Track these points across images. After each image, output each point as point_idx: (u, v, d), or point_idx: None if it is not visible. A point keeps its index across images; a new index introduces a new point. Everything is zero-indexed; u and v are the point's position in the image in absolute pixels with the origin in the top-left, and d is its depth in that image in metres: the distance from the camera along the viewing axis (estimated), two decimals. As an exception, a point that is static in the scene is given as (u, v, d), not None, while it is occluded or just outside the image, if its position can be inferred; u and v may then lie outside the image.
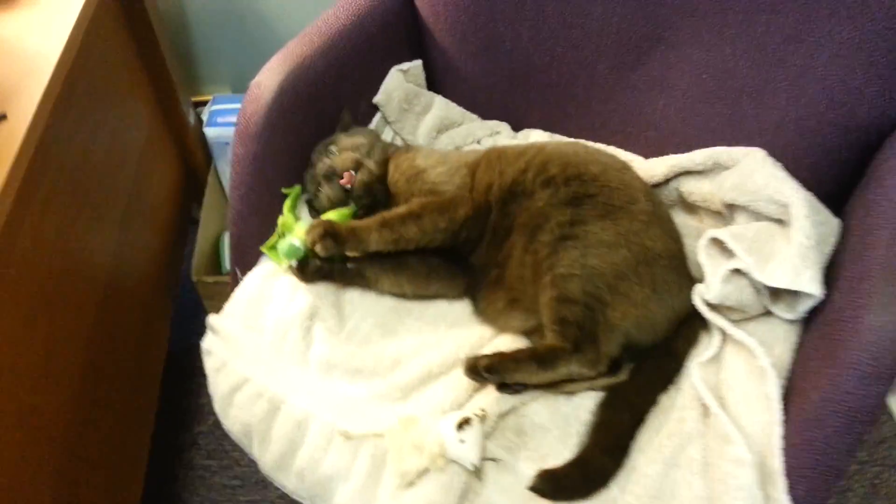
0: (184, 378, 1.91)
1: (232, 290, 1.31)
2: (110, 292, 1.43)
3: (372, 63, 1.48)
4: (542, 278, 1.15)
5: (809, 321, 1.11)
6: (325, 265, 1.25)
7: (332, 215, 1.25)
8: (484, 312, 1.26)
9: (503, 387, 1.11)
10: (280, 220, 1.28)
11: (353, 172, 1.27)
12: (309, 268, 1.24)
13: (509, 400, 1.10)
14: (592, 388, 1.13)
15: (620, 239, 1.14)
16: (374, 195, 1.29)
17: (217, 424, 1.72)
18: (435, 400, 1.11)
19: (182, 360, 1.90)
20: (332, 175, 1.28)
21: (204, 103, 2.08)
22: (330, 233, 1.18)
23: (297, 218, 1.29)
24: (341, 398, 1.13)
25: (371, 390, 1.13)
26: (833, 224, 1.15)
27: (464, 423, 1.03)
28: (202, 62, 2.16)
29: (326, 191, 1.29)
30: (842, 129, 1.20)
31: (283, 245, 1.23)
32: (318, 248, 1.18)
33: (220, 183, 2.08)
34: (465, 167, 1.30)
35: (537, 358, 1.09)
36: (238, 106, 1.93)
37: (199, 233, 1.90)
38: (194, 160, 2.07)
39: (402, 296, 1.28)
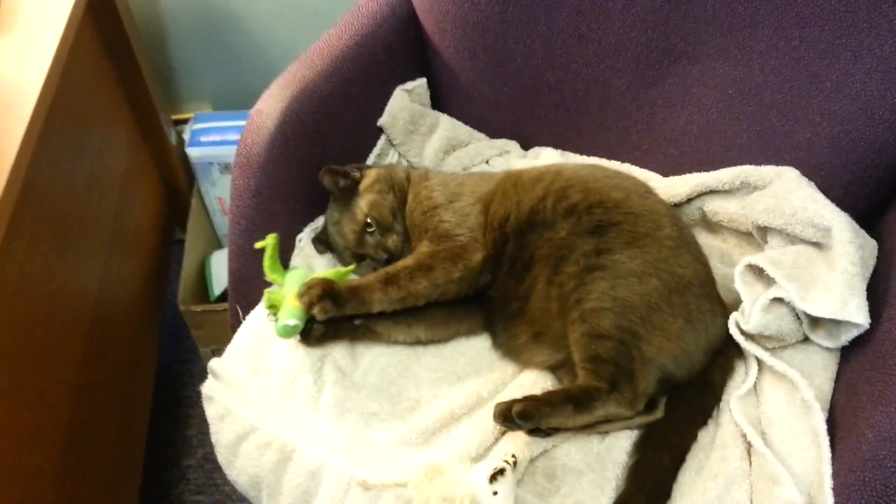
0: (169, 409, 1.86)
1: (233, 329, 1.25)
2: (97, 322, 1.39)
3: (376, 84, 1.42)
4: (569, 313, 1.09)
5: (851, 349, 1.07)
6: (329, 328, 1.16)
7: (329, 273, 1.18)
8: (504, 346, 1.20)
9: (535, 430, 1.04)
10: (267, 294, 1.16)
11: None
12: (312, 334, 1.16)
13: (540, 442, 1.05)
14: (628, 427, 1.08)
15: (650, 267, 1.09)
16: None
17: (206, 457, 1.73)
18: (460, 444, 1.05)
19: (167, 389, 1.84)
20: (391, 258, 1.23)
21: (184, 122, 2.05)
22: (329, 293, 1.11)
23: (281, 273, 1.18)
24: (358, 445, 1.08)
25: (390, 435, 1.08)
26: (871, 246, 1.12)
27: (497, 474, 0.97)
28: (182, 79, 2.11)
29: (374, 266, 1.26)
30: (878, 146, 1.16)
31: (279, 328, 1.11)
32: (317, 311, 1.10)
33: (203, 204, 2.03)
34: (480, 202, 1.25)
35: (573, 400, 1.03)
36: (222, 123, 1.94)
37: (184, 257, 1.85)
38: (176, 181, 2.03)
39: (418, 343, 1.22)
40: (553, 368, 1.15)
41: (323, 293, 1.10)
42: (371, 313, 1.16)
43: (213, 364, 1.20)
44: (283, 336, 1.12)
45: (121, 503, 1.43)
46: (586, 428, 1.06)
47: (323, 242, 1.32)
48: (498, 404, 1.04)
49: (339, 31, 1.35)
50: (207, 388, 1.19)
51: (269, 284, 1.18)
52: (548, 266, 1.15)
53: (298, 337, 1.14)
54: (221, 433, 1.15)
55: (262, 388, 1.15)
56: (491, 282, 1.21)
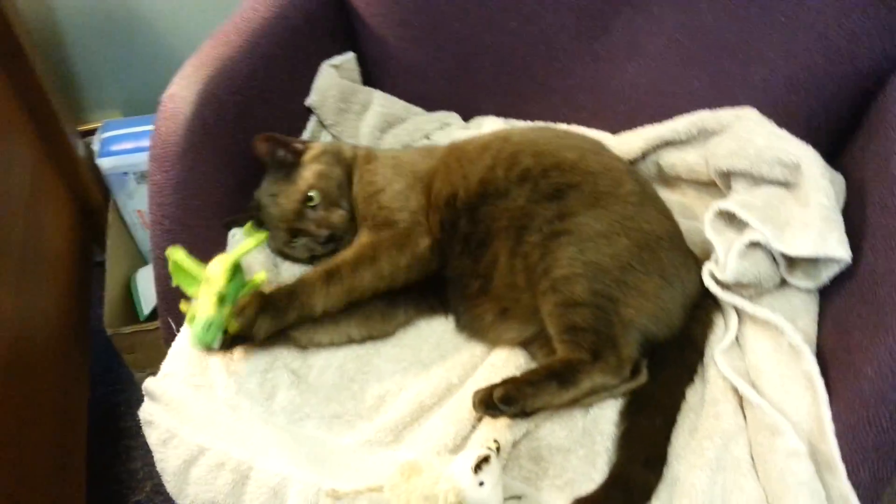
0: (109, 443, 1.76)
1: (167, 344, 1.15)
2: (16, 358, 1.30)
3: (300, 60, 1.36)
4: (538, 284, 1.04)
5: (834, 288, 1.04)
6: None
7: (239, 248, 1.05)
8: (470, 327, 1.14)
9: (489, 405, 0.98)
10: (183, 306, 1.04)
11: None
12: (256, 332, 1.03)
13: (522, 424, 0.99)
14: (613, 397, 1.02)
15: (616, 226, 1.05)
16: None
17: (156, 490, 1.66)
18: (434, 437, 0.99)
19: (103, 422, 1.76)
20: (334, 238, 1.17)
21: (92, 132, 1.95)
22: (266, 307, 1.01)
23: (194, 278, 1.04)
24: (322, 452, 1.01)
25: (356, 437, 1.01)
26: (840, 181, 1.10)
27: (482, 463, 0.90)
28: (85, 86, 2.01)
29: (311, 245, 1.19)
30: (838, 77, 1.14)
31: (197, 329, 0.98)
32: (257, 331, 1.01)
33: (122, 218, 1.93)
34: (420, 182, 1.19)
35: (556, 376, 0.97)
36: (135, 130, 1.85)
37: (106, 278, 1.76)
38: (90, 196, 1.92)
39: (350, 342, 1.13)
40: (524, 344, 1.10)
41: (259, 308, 1.00)
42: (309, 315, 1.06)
43: (149, 384, 1.10)
44: (202, 342, 0.98)
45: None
46: (571, 403, 1.00)
47: (245, 220, 1.22)
48: (476, 392, 0.97)
49: (254, 2, 1.27)
50: (145, 411, 1.09)
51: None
52: (508, 238, 1.09)
53: (220, 342, 1.01)
54: (167, 460, 1.06)
55: (207, 405, 1.06)
56: (444, 264, 1.15)
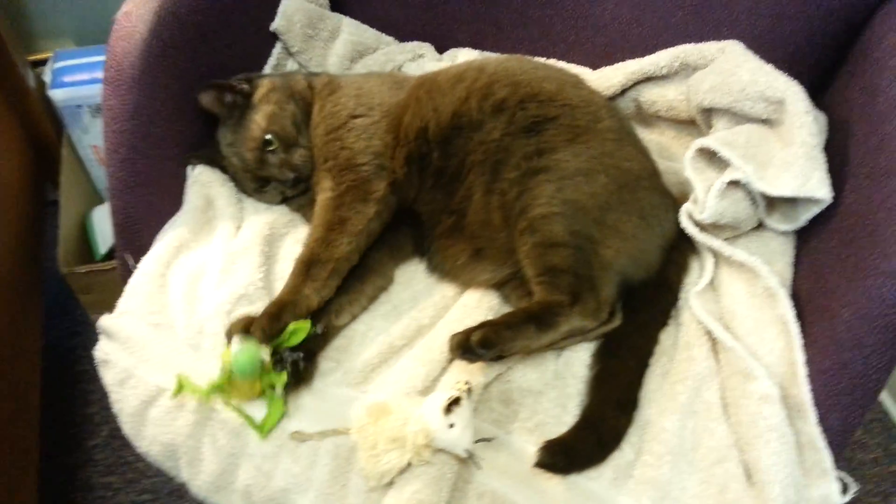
0: (65, 387, 1.72)
1: (124, 280, 1.10)
2: None
3: None
4: (516, 223, 1.01)
5: (812, 230, 1.02)
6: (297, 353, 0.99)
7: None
8: (441, 268, 1.11)
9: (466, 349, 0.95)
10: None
11: None
12: (302, 372, 0.98)
13: (493, 366, 0.96)
14: (587, 340, 1.00)
15: (596, 164, 1.01)
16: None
17: (113, 434, 1.63)
18: (403, 379, 0.97)
19: (58, 366, 1.71)
20: (299, 178, 1.13)
21: (43, 62, 1.86)
22: (264, 321, 0.97)
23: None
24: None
25: (323, 378, 0.99)
26: (822, 119, 1.07)
27: (452, 404, 0.88)
28: (35, 13, 1.91)
29: (281, 188, 1.15)
30: (825, 9, 1.10)
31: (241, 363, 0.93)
32: (257, 336, 0.96)
33: (76, 154, 1.86)
34: (387, 117, 1.13)
35: (535, 319, 0.94)
36: (88, 60, 1.76)
37: (60, 216, 1.70)
38: (41, 131, 1.85)
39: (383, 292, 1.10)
40: (498, 286, 1.07)
41: (260, 323, 0.97)
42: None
43: (105, 322, 1.07)
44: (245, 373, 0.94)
45: (17, 494, 1.30)
46: (548, 346, 0.98)
47: (215, 163, 1.17)
48: (453, 336, 0.94)
49: None
50: (101, 350, 1.06)
51: (157, 219, 1.03)
52: (483, 173, 1.05)
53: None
54: (124, 400, 1.04)
55: (166, 344, 1.03)
56: (414, 197, 1.11)
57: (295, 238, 1.12)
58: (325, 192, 1.08)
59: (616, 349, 0.99)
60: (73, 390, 1.70)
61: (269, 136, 1.11)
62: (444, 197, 1.08)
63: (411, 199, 1.10)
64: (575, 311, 0.94)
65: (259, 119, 1.11)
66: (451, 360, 0.98)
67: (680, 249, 1.07)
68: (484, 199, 1.05)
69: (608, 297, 0.97)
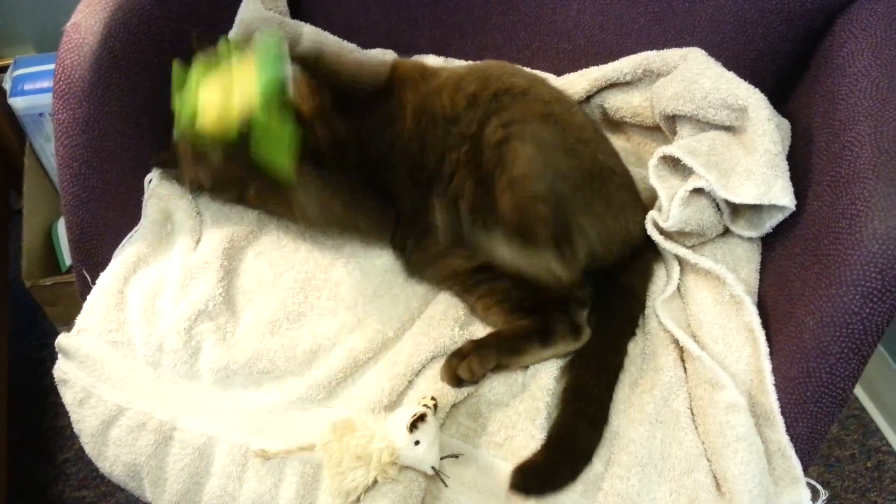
0: (35, 399, 1.69)
1: (82, 297, 1.09)
2: None
3: None
4: (496, 185, 0.99)
5: (776, 236, 1.02)
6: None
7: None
8: (420, 264, 1.08)
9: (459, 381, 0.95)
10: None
11: None
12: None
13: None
14: (556, 356, 0.99)
15: (567, 144, 1.00)
16: None
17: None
18: (369, 394, 0.96)
19: (27, 378, 1.68)
20: None
21: (3, 69, 1.82)
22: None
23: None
24: (250, 410, 0.98)
25: (287, 394, 0.97)
26: (785, 126, 1.07)
27: (417, 421, 0.87)
28: None
29: None
30: (786, 16, 1.10)
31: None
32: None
33: (40, 163, 1.82)
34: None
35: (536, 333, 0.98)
36: (49, 67, 1.69)
37: (24, 226, 1.66)
38: (3, 140, 1.83)
39: (332, 225, 1.09)
40: (473, 273, 1.04)
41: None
42: None
43: (62, 341, 1.05)
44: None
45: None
46: (510, 365, 0.98)
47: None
48: (448, 365, 0.95)
49: None
50: (59, 370, 1.05)
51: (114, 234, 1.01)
52: (471, 174, 1.03)
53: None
54: (84, 420, 1.03)
55: (125, 363, 1.02)
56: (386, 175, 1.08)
57: (256, 251, 1.09)
58: None
59: (587, 362, 0.98)
60: (42, 403, 1.67)
61: None
62: (422, 196, 1.06)
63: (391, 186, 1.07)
64: (553, 257, 0.95)
65: None
66: (417, 374, 0.96)
67: (644, 258, 1.06)
68: (461, 181, 1.03)
69: (580, 261, 0.98)
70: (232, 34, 1.27)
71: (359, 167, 1.05)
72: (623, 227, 1.02)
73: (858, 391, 1.63)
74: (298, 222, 1.10)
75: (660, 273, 1.07)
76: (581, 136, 1.02)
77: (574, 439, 0.91)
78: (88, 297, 1.06)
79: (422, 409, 0.88)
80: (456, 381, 0.94)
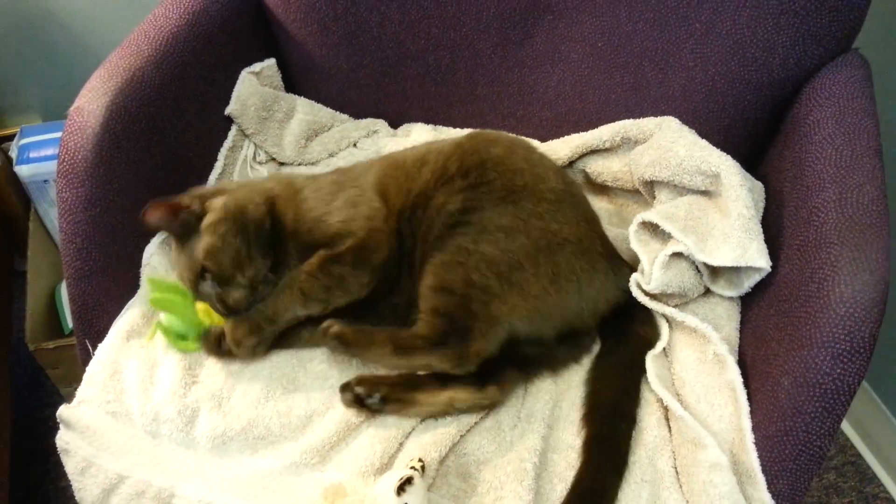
0: (36, 460, 1.69)
1: (83, 364, 1.10)
2: None
3: (217, 68, 1.30)
4: (423, 267, 1.03)
5: (753, 296, 1.05)
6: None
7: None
8: None
9: (346, 389, 1.00)
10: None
11: None
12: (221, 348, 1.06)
13: (446, 440, 0.96)
14: (452, 410, 1.00)
15: (519, 223, 1.03)
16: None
17: None
18: (362, 457, 0.96)
19: (30, 438, 1.68)
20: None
21: (10, 138, 1.86)
22: (254, 330, 1.03)
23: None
24: (246, 476, 0.98)
25: (282, 459, 0.98)
26: (759, 188, 1.11)
27: (405, 484, 0.88)
28: (1, 90, 1.93)
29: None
30: (754, 85, 1.14)
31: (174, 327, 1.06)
32: (252, 353, 1.04)
33: (45, 228, 1.85)
34: (369, 190, 1.12)
35: (395, 342, 0.99)
36: (54, 136, 1.77)
37: (28, 290, 1.67)
38: (8, 205, 1.84)
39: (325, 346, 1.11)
40: None
41: (251, 329, 1.03)
42: None
43: (63, 412, 1.06)
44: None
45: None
46: (408, 398, 1.00)
47: None
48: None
49: (165, 10, 1.21)
50: (61, 440, 1.07)
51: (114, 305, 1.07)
52: (422, 244, 1.07)
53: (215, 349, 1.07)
54: (85, 489, 1.05)
55: (124, 432, 1.03)
56: (392, 284, 1.10)
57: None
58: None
59: (606, 414, 0.99)
60: (45, 463, 1.66)
61: (205, 269, 1.05)
62: (414, 281, 1.08)
63: (391, 288, 1.09)
64: (435, 352, 0.98)
65: (199, 249, 1.04)
66: (407, 436, 0.97)
67: (646, 310, 1.07)
68: (421, 266, 1.06)
69: (481, 350, 0.98)
70: (229, 110, 1.32)
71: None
72: (575, 296, 1.03)
73: (855, 438, 1.64)
74: None
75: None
76: (537, 210, 1.04)
77: (602, 490, 0.93)
78: (87, 368, 1.08)
79: (409, 472, 0.89)
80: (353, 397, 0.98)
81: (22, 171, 1.72)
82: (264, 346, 1.04)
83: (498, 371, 1.01)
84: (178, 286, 1.08)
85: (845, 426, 1.67)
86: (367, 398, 0.97)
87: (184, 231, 1.06)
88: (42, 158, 1.73)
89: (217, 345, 1.05)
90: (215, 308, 1.05)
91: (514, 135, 1.26)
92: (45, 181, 1.73)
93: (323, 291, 1.03)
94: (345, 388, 0.99)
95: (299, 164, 1.39)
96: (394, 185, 1.12)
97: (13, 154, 1.76)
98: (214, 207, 1.06)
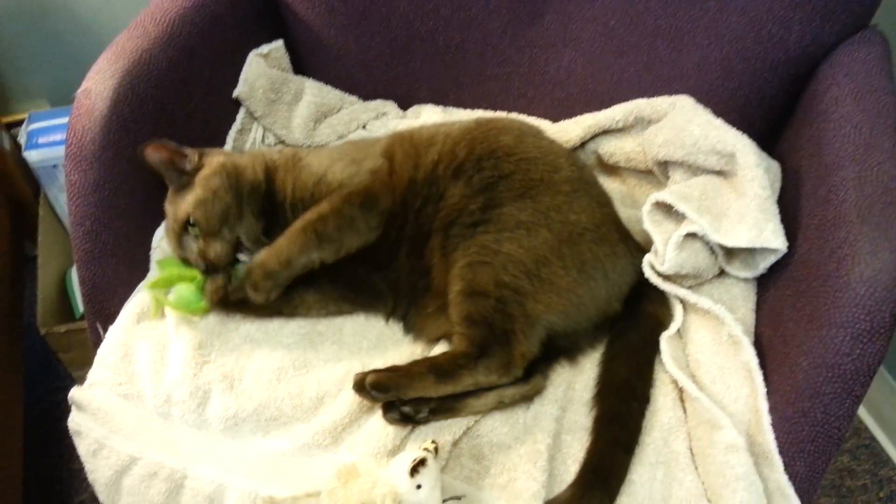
0: (50, 443, 1.70)
1: (95, 348, 1.11)
2: None
3: (225, 51, 1.29)
4: (450, 272, 1.02)
5: (770, 277, 1.03)
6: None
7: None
8: (413, 325, 1.10)
9: (390, 410, 0.96)
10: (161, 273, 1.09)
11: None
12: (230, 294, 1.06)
13: (461, 421, 0.96)
14: (502, 406, 0.99)
15: (540, 217, 1.02)
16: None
17: None
18: (374, 439, 0.97)
19: (43, 422, 1.69)
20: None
21: (18, 123, 1.87)
22: (269, 275, 1.02)
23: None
24: (258, 457, 0.99)
25: (294, 441, 0.99)
26: (775, 168, 1.09)
27: (418, 465, 0.88)
28: (8, 77, 1.93)
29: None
30: (770, 63, 1.13)
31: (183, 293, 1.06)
32: (268, 296, 1.02)
33: (54, 213, 1.86)
34: (375, 155, 1.13)
35: (436, 370, 0.96)
36: (62, 121, 1.75)
37: (39, 274, 1.68)
38: (18, 191, 1.84)
39: (327, 315, 1.12)
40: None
41: (265, 274, 1.02)
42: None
43: (75, 394, 1.07)
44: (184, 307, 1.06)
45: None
46: (455, 409, 0.98)
47: None
48: (357, 374, 0.97)
49: None
50: (73, 422, 1.07)
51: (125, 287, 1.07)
52: (439, 235, 1.06)
53: (212, 296, 1.07)
54: (98, 470, 1.05)
55: (136, 414, 1.03)
56: (391, 258, 1.10)
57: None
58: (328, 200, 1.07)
59: (616, 391, 0.99)
60: (59, 446, 1.67)
61: (191, 220, 1.07)
62: (416, 261, 1.09)
63: (383, 255, 1.09)
64: (480, 365, 0.95)
65: (190, 199, 1.07)
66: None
67: (653, 286, 1.06)
68: (441, 261, 1.05)
69: (525, 352, 0.97)
70: (236, 92, 1.31)
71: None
72: (602, 282, 1.03)
73: (869, 421, 1.63)
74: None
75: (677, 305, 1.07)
76: (555, 202, 1.03)
77: (612, 467, 0.92)
78: (98, 350, 1.08)
79: (422, 454, 0.88)
80: (360, 388, 0.96)
81: (31, 156, 1.73)
82: (278, 291, 1.03)
83: (538, 360, 1.00)
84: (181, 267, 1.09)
85: (860, 409, 1.65)
86: (416, 415, 0.95)
87: (180, 181, 1.09)
88: (51, 144, 1.73)
89: (224, 293, 1.06)
90: (196, 264, 1.08)
91: (522, 120, 1.25)
92: (54, 166, 1.73)
93: (336, 231, 1.03)
94: (388, 407, 0.96)
95: (308, 147, 1.37)
96: (401, 153, 1.12)
97: (22, 140, 1.77)
98: (211, 163, 1.09)
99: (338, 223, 1.04)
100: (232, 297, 1.04)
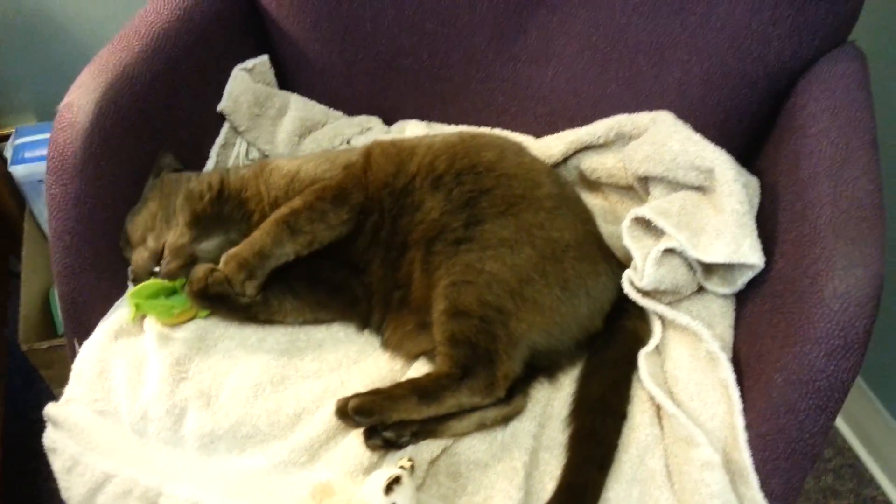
0: (28, 460, 1.65)
1: (71, 362, 1.10)
2: None
3: (209, 65, 1.29)
4: (433, 291, 1.02)
5: (747, 293, 1.03)
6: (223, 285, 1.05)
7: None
8: (391, 342, 1.10)
9: (373, 435, 0.94)
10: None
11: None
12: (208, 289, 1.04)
13: (439, 441, 0.95)
14: (483, 427, 0.98)
15: (523, 235, 1.02)
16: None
17: None
18: (350, 456, 0.95)
19: (23, 438, 1.63)
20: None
21: (5, 138, 1.87)
22: (242, 265, 1.03)
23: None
24: (234, 475, 0.98)
25: (270, 458, 0.97)
26: (754, 184, 1.09)
27: (393, 483, 0.87)
28: None
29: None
30: (750, 79, 1.13)
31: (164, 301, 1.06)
32: (243, 287, 1.04)
33: (40, 228, 1.85)
34: (350, 153, 1.16)
35: (419, 391, 0.95)
36: (48, 136, 1.71)
37: (22, 290, 1.68)
38: (3, 206, 1.85)
39: (304, 323, 1.11)
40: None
41: (239, 266, 1.03)
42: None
43: (50, 410, 1.06)
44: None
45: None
46: (436, 431, 0.97)
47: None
48: (339, 400, 0.96)
49: (156, 5, 1.20)
50: (49, 439, 1.07)
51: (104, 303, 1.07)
52: (420, 249, 1.06)
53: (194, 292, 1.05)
54: (72, 488, 1.05)
55: (111, 431, 1.03)
56: (365, 264, 1.10)
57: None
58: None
59: (590, 408, 0.98)
60: (37, 463, 1.57)
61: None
62: (392, 272, 1.08)
63: (359, 258, 1.10)
64: (464, 387, 0.94)
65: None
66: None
67: (632, 301, 1.06)
68: (422, 277, 1.05)
69: (507, 373, 0.96)
70: (221, 107, 1.31)
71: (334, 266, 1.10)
72: (584, 300, 1.02)
73: (853, 440, 1.62)
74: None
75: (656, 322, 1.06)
76: (537, 220, 1.03)
77: (585, 486, 0.92)
78: (73, 366, 1.08)
79: (397, 471, 0.87)
80: (342, 413, 0.95)
81: (17, 171, 1.72)
82: (255, 283, 1.04)
83: (519, 379, 0.99)
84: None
85: (843, 428, 1.65)
86: (398, 440, 0.94)
87: None
88: (37, 158, 1.72)
89: (205, 284, 1.04)
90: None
91: (505, 137, 1.26)
92: (40, 181, 1.71)
93: (307, 223, 1.05)
94: (371, 433, 0.94)
95: (290, 161, 1.38)
96: (380, 151, 1.14)
97: (8, 154, 1.76)
98: (160, 181, 1.14)
99: (310, 216, 1.05)
100: (211, 291, 1.03)
